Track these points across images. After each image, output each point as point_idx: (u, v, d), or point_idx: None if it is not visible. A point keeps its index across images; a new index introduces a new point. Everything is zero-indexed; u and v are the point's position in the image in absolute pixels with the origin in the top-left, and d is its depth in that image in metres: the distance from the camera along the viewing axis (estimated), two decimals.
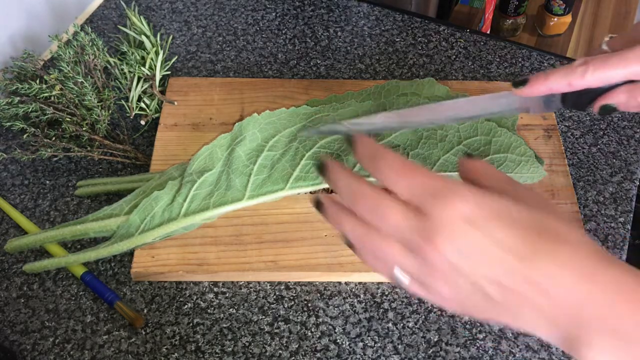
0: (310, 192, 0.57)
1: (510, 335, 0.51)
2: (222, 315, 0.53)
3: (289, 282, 0.55)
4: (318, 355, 0.51)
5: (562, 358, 0.50)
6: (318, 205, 0.37)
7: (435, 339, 0.52)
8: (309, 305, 0.54)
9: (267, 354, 0.51)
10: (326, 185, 0.56)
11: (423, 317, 0.53)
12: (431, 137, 0.57)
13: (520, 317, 0.34)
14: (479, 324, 0.52)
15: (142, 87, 0.66)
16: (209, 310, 0.54)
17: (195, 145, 0.61)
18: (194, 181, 0.55)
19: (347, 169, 0.36)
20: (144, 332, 0.53)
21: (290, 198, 0.57)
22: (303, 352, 0.51)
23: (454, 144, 0.56)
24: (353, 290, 0.54)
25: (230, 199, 0.55)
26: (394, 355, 0.51)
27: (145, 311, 0.54)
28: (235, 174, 0.56)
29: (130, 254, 0.57)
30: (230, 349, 0.51)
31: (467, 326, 0.52)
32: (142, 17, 0.70)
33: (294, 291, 0.54)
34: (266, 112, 0.60)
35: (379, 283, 0.55)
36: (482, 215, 0.34)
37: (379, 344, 0.51)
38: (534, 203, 0.37)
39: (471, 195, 0.34)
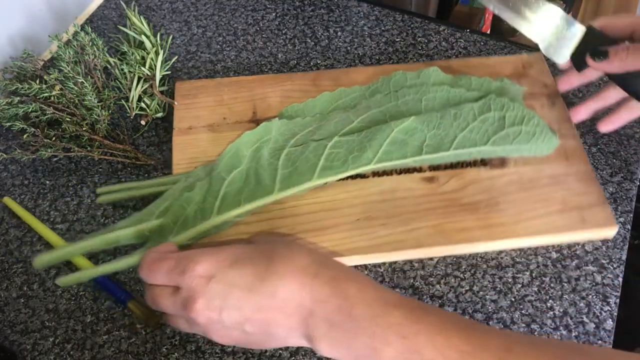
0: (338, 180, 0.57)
1: None
2: None
3: None
4: (318, 355, 0.51)
5: None
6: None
7: None
8: None
9: (267, 354, 0.51)
10: (351, 172, 0.56)
11: None
12: (445, 116, 0.57)
13: (275, 337, 0.42)
14: None
15: (142, 87, 0.66)
16: None
17: (214, 146, 0.61)
18: (223, 179, 0.55)
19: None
20: (144, 332, 0.53)
21: (315, 188, 0.57)
22: (303, 352, 0.51)
23: (469, 122, 0.57)
24: None
25: (261, 193, 0.55)
26: None
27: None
28: (262, 169, 0.56)
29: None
30: (230, 348, 0.51)
31: None
32: (142, 17, 0.70)
33: None
34: (283, 121, 0.60)
35: (377, 283, 0.55)
36: (218, 267, 0.42)
37: None
38: (263, 239, 0.49)
39: (204, 255, 0.43)
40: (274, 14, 0.78)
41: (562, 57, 0.56)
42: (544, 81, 0.65)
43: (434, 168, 0.59)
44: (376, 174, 0.59)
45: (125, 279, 0.56)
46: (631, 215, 0.58)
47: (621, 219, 0.58)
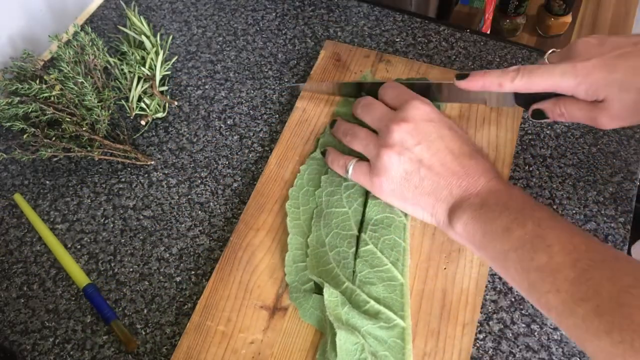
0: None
1: (510, 335, 0.51)
2: None
3: None
4: None
5: (562, 358, 0.50)
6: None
7: None
8: None
9: None
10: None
11: None
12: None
13: (431, 195, 0.49)
14: (479, 325, 0.52)
15: (142, 87, 0.66)
16: None
17: None
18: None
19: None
20: (144, 333, 0.53)
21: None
22: None
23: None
24: None
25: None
26: None
27: (145, 312, 0.54)
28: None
29: (131, 254, 0.57)
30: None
31: None
32: (142, 17, 0.70)
33: None
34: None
35: None
36: (437, 118, 0.51)
37: None
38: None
39: (428, 104, 0.52)
40: (274, 14, 0.78)
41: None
42: (499, 107, 0.64)
43: None
44: None
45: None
46: (631, 215, 0.58)
47: (621, 219, 0.58)
